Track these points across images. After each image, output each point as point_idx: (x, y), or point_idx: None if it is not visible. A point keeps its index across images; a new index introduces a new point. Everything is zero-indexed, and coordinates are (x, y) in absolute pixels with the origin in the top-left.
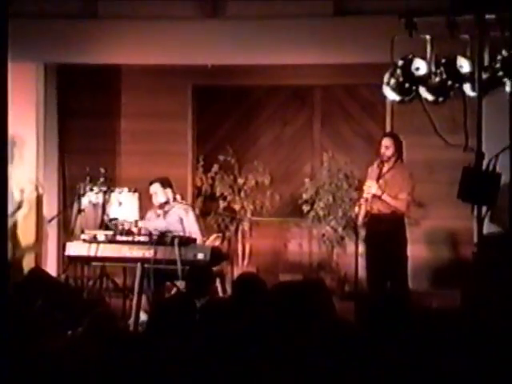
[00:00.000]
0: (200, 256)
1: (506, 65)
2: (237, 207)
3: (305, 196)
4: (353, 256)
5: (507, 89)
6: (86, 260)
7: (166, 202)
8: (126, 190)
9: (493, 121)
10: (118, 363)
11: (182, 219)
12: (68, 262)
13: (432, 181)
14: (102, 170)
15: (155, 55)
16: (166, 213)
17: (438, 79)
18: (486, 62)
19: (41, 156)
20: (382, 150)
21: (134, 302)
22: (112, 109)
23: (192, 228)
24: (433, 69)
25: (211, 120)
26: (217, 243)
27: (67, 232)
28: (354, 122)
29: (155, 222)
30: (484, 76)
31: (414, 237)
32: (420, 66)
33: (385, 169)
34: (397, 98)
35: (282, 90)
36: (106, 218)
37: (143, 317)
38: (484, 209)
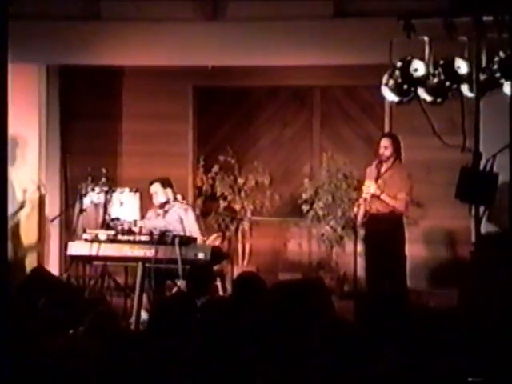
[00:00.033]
0: (200, 255)
1: (504, 66)
2: (237, 207)
3: (304, 196)
4: (352, 255)
5: (504, 90)
6: (88, 259)
7: (167, 202)
8: (127, 190)
9: (490, 121)
10: (120, 361)
11: (181, 219)
12: (70, 262)
13: (430, 181)
14: (104, 171)
15: (156, 57)
16: (165, 212)
17: (436, 80)
18: (484, 64)
19: (43, 157)
20: (381, 150)
21: (135, 300)
22: (113, 110)
23: (192, 227)
24: (431, 70)
25: (211, 121)
26: (217, 243)
27: (69, 231)
28: (353, 122)
29: (154, 222)
30: (482, 77)
31: (412, 236)
32: (418, 68)
33: (383, 169)
34: (395, 98)
35: (282, 91)
36: (107, 217)
37: (144, 315)
38: (482, 209)
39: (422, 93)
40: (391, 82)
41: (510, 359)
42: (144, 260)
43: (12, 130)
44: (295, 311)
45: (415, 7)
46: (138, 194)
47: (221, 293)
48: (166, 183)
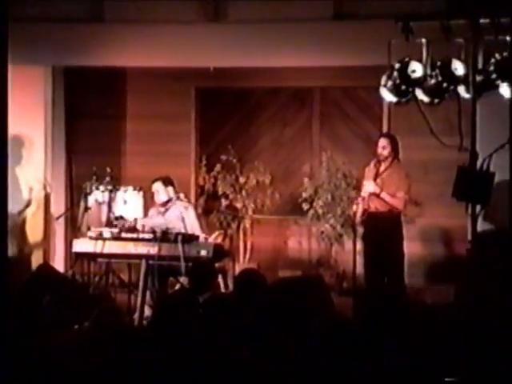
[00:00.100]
0: (203, 253)
1: (500, 67)
2: (238, 205)
3: (304, 195)
4: (351, 253)
5: (500, 91)
6: (93, 256)
7: (168, 201)
8: (131, 188)
9: (487, 122)
10: (124, 356)
11: (183, 217)
12: (75, 259)
13: (427, 180)
14: (108, 170)
15: (159, 58)
16: (166, 210)
17: (433, 81)
18: (480, 65)
19: (49, 156)
20: (379, 150)
21: (139, 297)
22: (118, 110)
23: (193, 224)
24: (428, 71)
25: (213, 121)
26: (219, 240)
27: (74, 229)
28: (352, 122)
29: (154, 220)
30: (478, 78)
31: (409, 234)
32: (416, 69)
33: (382, 168)
34: (394, 99)
35: (282, 91)
36: (111, 215)
37: (148, 312)
38: (478, 207)
39: (419, 94)
40: (389, 83)
41: (507, 354)
42: (147, 257)
43: (18, 129)
44: (295, 307)
45: (413, 10)
46: (141, 193)
47: (223, 289)
48: (167, 182)
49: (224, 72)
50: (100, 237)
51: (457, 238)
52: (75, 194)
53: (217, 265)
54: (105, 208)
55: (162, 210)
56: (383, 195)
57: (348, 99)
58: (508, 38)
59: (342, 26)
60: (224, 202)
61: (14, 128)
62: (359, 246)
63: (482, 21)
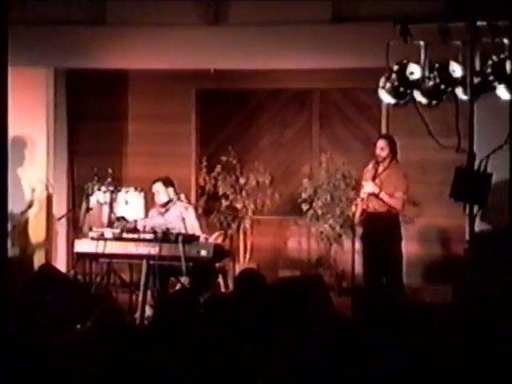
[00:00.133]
0: (203, 253)
1: (497, 69)
2: (238, 206)
3: (304, 195)
4: (350, 253)
5: (497, 93)
6: (94, 256)
7: (169, 201)
8: (132, 189)
9: (484, 123)
10: (125, 356)
11: (183, 217)
12: (77, 259)
13: (426, 181)
14: (110, 171)
15: (160, 60)
16: (167, 211)
17: (431, 83)
18: (478, 67)
19: (51, 157)
20: (378, 151)
21: (140, 296)
22: (119, 112)
23: (193, 224)
24: (426, 73)
25: (214, 122)
26: (219, 240)
27: (76, 230)
28: (351, 124)
29: (154, 220)
30: (475, 80)
31: (408, 234)
32: (414, 71)
33: (380, 169)
34: (392, 101)
35: (282, 93)
36: (113, 216)
37: (149, 311)
38: (475, 208)
39: (417, 95)
40: (388, 84)
41: (506, 354)
42: (148, 257)
43: (20, 130)
44: (295, 307)
45: (411, 12)
46: (142, 194)
47: (223, 289)
48: (167, 182)
49: (224, 74)
50: (101, 237)
51: (455, 238)
52: (77, 194)
53: (217, 265)
54: (106, 209)
55: (163, 210)
56: (382, 195)
57: (347, 101)
58: (505, 41)
59: (340, 29)
60: (224, 203)
61: (16, 129)
62: (358, 246)
63: (479, 23)
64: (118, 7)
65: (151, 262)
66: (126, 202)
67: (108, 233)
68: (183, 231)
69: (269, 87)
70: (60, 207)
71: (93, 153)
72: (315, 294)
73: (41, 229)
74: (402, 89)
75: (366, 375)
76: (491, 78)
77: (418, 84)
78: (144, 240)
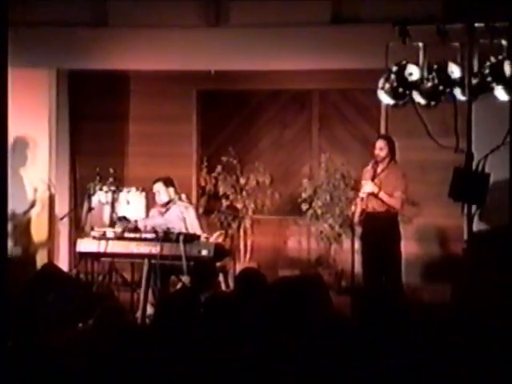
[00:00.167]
0: (204, 252)
1: (495, 71)
2: (239, 206)
3: (303, 195)
4: (349, 252)
5: (495, 93)
6: (96, 256)
7: (169, 201)
8: (133, 189)
9: (482, 124)
10: (126, 354)
11: (184, 217)
12: (79, 258)
13: (424, 181)
14: (111, 171)
15: (161, 61)
16: (167, 210)
17: (430, 84)
18: (476, 68)
19: (53, 157)
20: (376, 151)
21: (142, 295)
22: (120, 112)
23: (193, 224)
24: (425, 74)
25: (214, 123)
26: (220, 240)
27: (78, 229)
28: (350, 124)
29: (154, 220)
30: (474, 81)
31: (406, 234)
32: (413, 72)
33: (379, 169)
34: (391, 101)
35: (282, 94)
36: (114, 216)
37: (150, 310)
38: (474, 207)
39: (416, 96)
40: (387, 85)
41: (504, 353)
42: (150, 257)
43: (23, 131)
44: (295, 306)
45: (410, 14)
46: (144, 194)
47: (223, 288)
48: (168, 182)
49: (225, 75)
50: (103, 237)
51: (453, 238)
52: (79, 194)
53: (218, 264)
54: (108, 208)
55: (163, 210)
56: (381, 195)
57: (346, 101)
58: (503, 42)
59: (340, 30)
60: (225, 203)
61: (19, 130)
62: (357, 245)
63: (477, 25)
64: (119, 9)
65: (152, 261)
66: (128, 202)
67: (110, 232)
68: (184, 231)
69: (269, 88)
70: (62, 207)
71: (95, 153)
72: (315, 292)
73: (43, 228)
74: (400, 90)
75: (366, 374)
76: (489, 78)
77: (416, 85)
78: (145, 239)
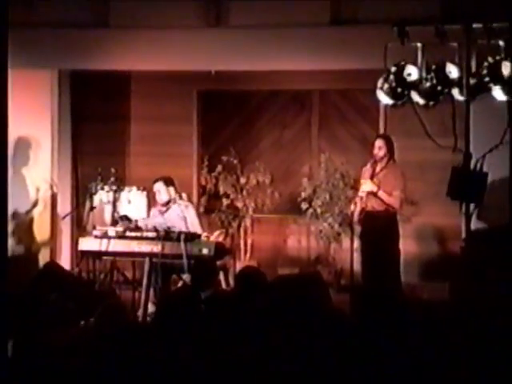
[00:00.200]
0: (205, 251)
1: (492, 71)
2: (239, 205)
3: (303, 194)
4: (348, 251)
5: (493, 93)
6: (98, 254)
7: (170, 200)
8: (134, 188)
9: (480, 124)
10: (128, 352)
11: (184, 216)
12: (81, 257)
13: (423, 180)
14: (113, 170)
15: (162, 62)
16: (167, 210)
17: (428, 84)
18: (474, 69)
19: (55, 157)
20: (375, 150)
21: (143, 294)
22: (122, 113)
23: (193, 223)
24: (424, 74)
25: (215, 123)
26: (220, 239)
27: (80, 228)
28: (349, 124)
29: (154, 219)
30: (472, 81)
31: (405, 233)
32: (412, 72)
33: (378, 168)
34: (390, 102)
35: (282, 94)
36: (116, 215)
37: (151, 308)
38: (472, 206)
39: (415, 96)
40: (386, 85)
41: (502, 351)
42: (151, 255)
43: (25, 131)
44: (294, 304)
45: (409, 15)
46: (145, 193)
47: (224, 286)
48: (168, 182)
49: (225, 75)
50: (105, 235)
51: (451, 237)
52: (81, 193)
53: (218, 262)
54: (109, 207)
55: (163, 209)
56: (380, 194)
57: (346, 102)
58: (500, 42)
59: (339, 31)
60: (225, 202)
61: (21, 130)
62: (356, 244)
63: (475, 25)
64: (120, 10)
65: (154, 259)
66: (129, 201)
67: (111, 231)
68: (184, 229)
69: (269, 88)
70: (64, 206)
71: (96, 153)
72: (314, 291)
73: (45, 227)
74: (399, 90)
75: (365, 372)
76: (487, 79)
77: (415, 85)
78: (147, 238)
